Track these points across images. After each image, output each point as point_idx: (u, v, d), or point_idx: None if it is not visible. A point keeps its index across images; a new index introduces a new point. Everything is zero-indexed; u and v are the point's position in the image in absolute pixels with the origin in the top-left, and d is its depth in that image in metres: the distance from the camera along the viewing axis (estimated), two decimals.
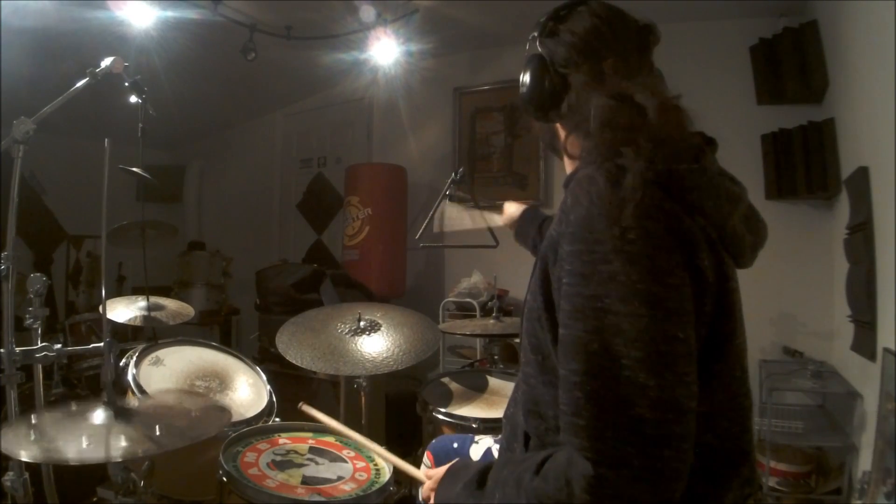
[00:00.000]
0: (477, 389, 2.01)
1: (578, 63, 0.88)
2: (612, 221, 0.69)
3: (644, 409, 0.65)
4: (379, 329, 1.87)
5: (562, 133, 0.94)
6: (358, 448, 1.50)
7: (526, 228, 1.61)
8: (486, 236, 2.01)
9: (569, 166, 0.95)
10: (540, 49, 0.92)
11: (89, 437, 1.06)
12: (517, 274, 2.86)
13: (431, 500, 1.01)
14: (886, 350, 1.82)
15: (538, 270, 0.81)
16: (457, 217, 1.96)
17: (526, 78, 0.93)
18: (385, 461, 1.40)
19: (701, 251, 0.73)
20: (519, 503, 0.74)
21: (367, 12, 3.10)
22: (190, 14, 2.91)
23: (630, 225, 0.68)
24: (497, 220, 1.78)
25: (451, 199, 2.02)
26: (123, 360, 1.76)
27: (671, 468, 0.66)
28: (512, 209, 1.70)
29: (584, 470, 0.66)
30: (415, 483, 1.30)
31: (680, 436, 0.66)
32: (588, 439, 0.67)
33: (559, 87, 0.89)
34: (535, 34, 0.94)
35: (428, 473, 1.07)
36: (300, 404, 1.52)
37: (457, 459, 1.06)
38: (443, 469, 1.01)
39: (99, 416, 1.13)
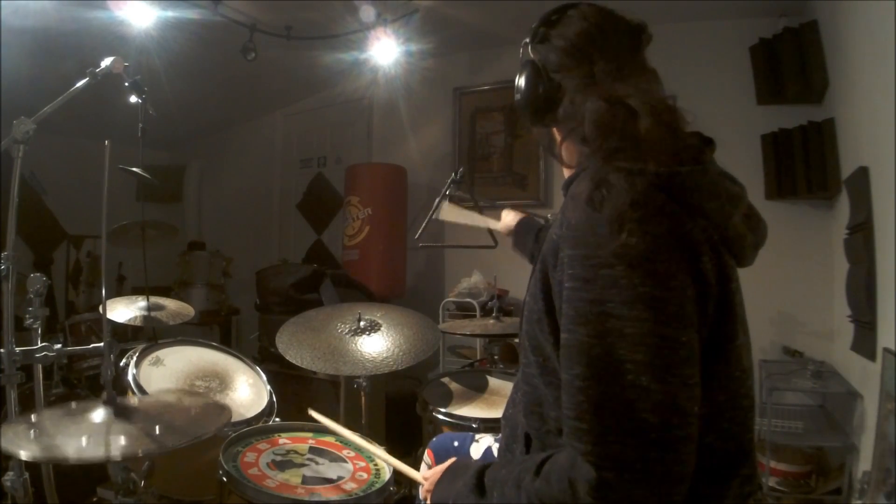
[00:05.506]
0: (477, 389, 2.01)
1: (570, 67, 0.87)
2: (613, 225, 0.69)
3: (647, 412, 0.65)
4: (379, 329, 1.87)
5: (558, 138, 0.94)
6: (359, 449, 1.50)
7: (523, 238, 1.60)
8: (485, 236, 2.01)
9: (567, 170, 0.95)
10: (532, 55, 0.92)
11: (89, 435, 1.05)
12: (517, 274, 2.86)
13: (429, 501, 1.01)
14: (886, 350, 1.82)
15: (538, 273, 0.81)
16: (456, 211, 1.95)
17: (520, 84, 0.93)
18: (387, 464, 1.40)
19: (703, 254, 0.73)
20: (519, 503, 0.74)
21: (367, 12, 3.09)
22: (190, 14, 2.91)
23: (632, 229, 0.68)
24: (495, 224, 1.77)
25: (451, 199, 2.02)
26: (123, 360, 1.76)
27: (674, 472, 0.66)
28: (509, 218, 1.69)
29: (587, 474, 0.66)
30: (415, 484, 1.30)
31: (683, 439, 0.67)
32: (591, 443, 0.67)
33: (553, 93, 0.89)
34: (527, 40, 0.94)
35: (425, 475, 1.07)
36: (308, 410, 1.51)
37: (455, 458, 1.06)
38: (440, 468, 1.01)
39: (99, 414, 1.13)
